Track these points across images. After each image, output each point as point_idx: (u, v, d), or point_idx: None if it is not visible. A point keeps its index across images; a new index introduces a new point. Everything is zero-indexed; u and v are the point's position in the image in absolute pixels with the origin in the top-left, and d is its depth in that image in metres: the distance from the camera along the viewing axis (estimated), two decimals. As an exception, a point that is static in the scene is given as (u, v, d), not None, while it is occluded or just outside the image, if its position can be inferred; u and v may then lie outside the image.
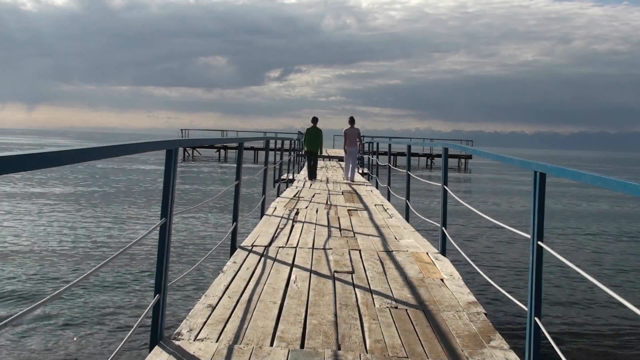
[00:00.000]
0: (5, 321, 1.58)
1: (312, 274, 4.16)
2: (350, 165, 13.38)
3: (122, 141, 2.17)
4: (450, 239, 4.90)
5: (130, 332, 2.51)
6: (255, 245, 5.10)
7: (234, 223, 5.16)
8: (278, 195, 9.96)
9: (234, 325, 3.03)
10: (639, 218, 17.49)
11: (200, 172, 29.25)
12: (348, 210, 7.89)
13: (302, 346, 2.78)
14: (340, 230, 6.13)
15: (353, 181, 13.12)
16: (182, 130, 38.69)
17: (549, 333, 2.59)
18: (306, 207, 8.01)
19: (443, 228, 5.06)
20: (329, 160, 25.65)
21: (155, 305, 2.76)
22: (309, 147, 13.53)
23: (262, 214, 7.23)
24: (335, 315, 3.26)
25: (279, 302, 3.46)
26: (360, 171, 16.89)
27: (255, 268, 4.29)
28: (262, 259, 4.62)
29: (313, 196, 9.60)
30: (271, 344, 2.78)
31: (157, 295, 2.77)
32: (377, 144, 15.55)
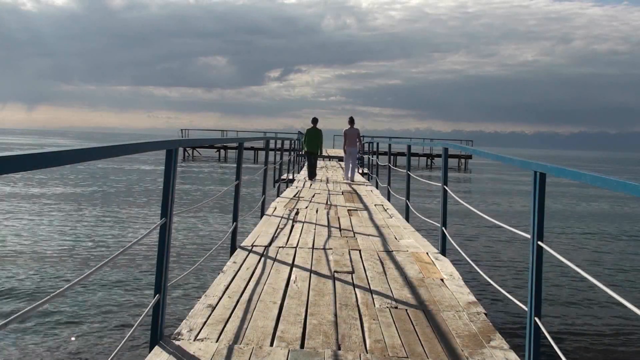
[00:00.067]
0: (5, 321, 1.59)
1: (312, 274, 4.16)
2: (350, 165, 13.39)
3: (122, 141, 2.17)
4: (450, 239, 4.90)
5: (130, 332, 2.51)
6: (255, 245, 5.10)
7: (234, 223, 5.16)
8: (278, 195, 9.96)
9: (234, 325, 3.03)
10: (639, 218, 17.49)
11: (200, 172, 29.25)
12: (348, 210, 7.89)
13: (302, 346, 2.78)
14: (340, 230, 6.13)
15: (353, 181, 13.13)
16: (182, 130, 38.70)
17: (549, 333, 2.59)
18: (306, 207, 8.01)
19: (443, 228, 5.06)
20: (329, 160, 25.65)
21: (155, 305, 2.77)
22: (309, 148, 13.56)
23: (262, 214, 7.23)
24: (335, 315, 3.26)
25: (279, 302, 3.46)
26: (360, 171, 16.89)
27: (255, 268, 4.29)
28: (262, 259, 4.62)
29: (313, 196, 9.61)
30: (271, 344, 2.78)
31: (157, 295, 2.77)
32: (377, 144, 15.54)
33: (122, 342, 2.39)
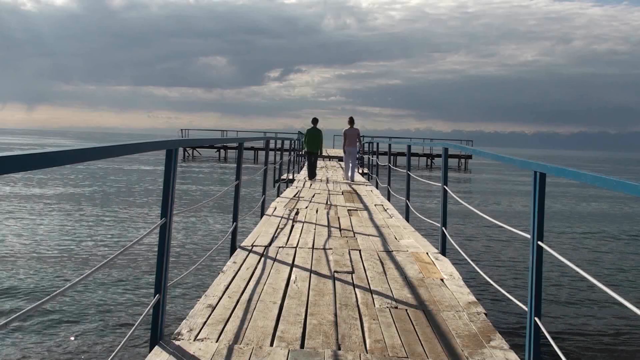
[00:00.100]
0: (5, 321, 1.59)
1: (312, 274, 4.16)
2: (350, 165, 13.40)
3: (122, 141, 2.17)
4: (450, 239, 4.90)
5: (130, 332, 2.51)
6: (255, 245, 5.10)
7: (234, 223, 5.16)
8: (278, 195, 9.96)
9: (234, 325, 3.03)
10: (638, 218, 17.49)
11: (200, 172, 29.26)
12: (348, 210, 7.89)
13: (302, 346, 2.78)
14: (340, 230, 6.13)
15: (353, 181, 13.13)
16: (182, 130, 38.71)
17: (549, 333, 2.59)
18: (306, 207, 8.01)
19: (443, 228, 5.06)
20: (329, 160, 25.66)
21: (155, 305, 2.76)
22: (309, 148, 13.60)
23: (262, 214, 7.23)
24: (335, 315, 3.26)
25: (279, 302, 3.46)
26: (360, 171, 16.89)
27: (255, 268, 4.29)
28: (262, 259, 4.61)
29: (313, 196, 9.60)
30: (271, 344, 2.78)
31: (157, 295, 2.77)
32: (377, 144, 15.54)
33: (122, 342, 2.39)
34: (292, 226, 6.29)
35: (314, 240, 5.48)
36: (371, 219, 7.12)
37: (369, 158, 16.44)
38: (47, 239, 10.00)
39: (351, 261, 4.62)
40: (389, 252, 5.01)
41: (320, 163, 19.68)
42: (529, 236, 2.70)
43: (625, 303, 1.98)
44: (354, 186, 11.92)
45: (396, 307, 3.43)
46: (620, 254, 11.04)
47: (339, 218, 7.05)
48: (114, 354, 2.27)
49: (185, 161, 38.61)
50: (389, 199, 9.54)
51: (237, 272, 4.12)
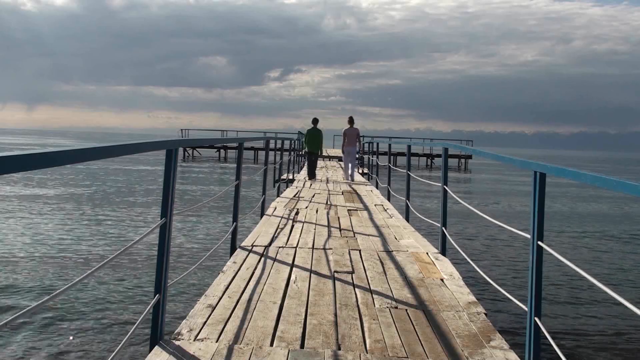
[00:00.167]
0: (5, 321, 1.59)
1: (312, 274, 4.16)
2: (350, 165, 13.41)
3: (122, 141, 2.17)
4: (450, 239, 4.90)
5: (130, 332, 2.51)
6: (255, 245, 5.10)
7: (234, 223, 5.16)
8: (278, 195, 9.96)
9: (234, 325, 3.03)
10: (638, 218, 17.49)
11: (200, 172, 29.25)
12: (348, 210, 7.89)
13: (302, 346, 2.78)
14: (340, 230, 6.13)
15: (353, 181, 13.14)
16: (182, 130, 38.71)
17: (549, 333, 2.59)
18: (306, 207, 8.01)
19: (443, 228, 5.06)
20: (329, 160, 25.67)
21: (155, 305, 2.76)
22: (309, 148, 13.63)
23: (262, 214, 7.23)
24: (335, 315, 3.26)
25: (279, 302, 3.46)
26: (360, 171, 16.89)
27: (255, 268, 4.29)
28: (262, 259, 4.62)
29: (313, 196, 9.61)
30: (271, 344, 2.78)
31: (157, 295, 2.77)
32: (377, 144, 15.54)
33: (123, 342, 2.39)
34: (292, 226, 6.29)
35: (314, 240, 5.48)
36: (371, 219, 7.12)
37: (369, 158, 16.44)
38: (47, 239, 10.00)
39: (351, 261, 4.62)
40: (389, 252, 5.01)
41: (320, 163, 19.69)
42: (529, 236, 2.70)
43: (625, 303, 1.98)
44: (354, 186, 11.92)
45: (396, 307, 3.43)
46: (620, 254, 11.04)
47: (339, 218, 7.05)
48: (114, 353, 2.27)
49: (185, 161, 38.61)
50: (389, 199, 9.54)
51: (237, 272, 4.12)
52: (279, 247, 5.08)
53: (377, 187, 12.02)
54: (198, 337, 2.83)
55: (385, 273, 4.26)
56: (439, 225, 5.13)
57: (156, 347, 2.71)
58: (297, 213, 7.37)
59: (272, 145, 11.35)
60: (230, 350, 2.69)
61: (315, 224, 6.48)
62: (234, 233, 5.11)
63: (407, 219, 7.17)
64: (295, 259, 4.65)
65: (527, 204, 2.91)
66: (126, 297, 6.74)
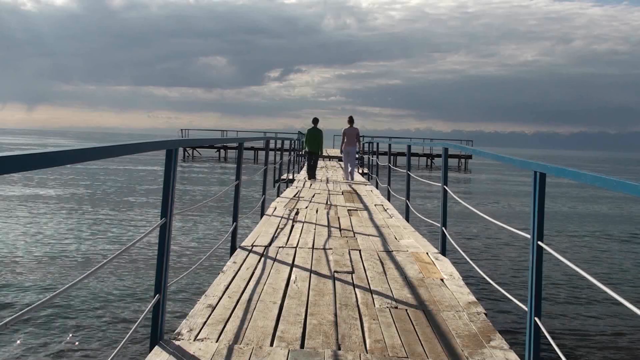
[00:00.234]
0: (5, 321, 1.59)
1: (312, 274, 4.16)
2: (349, 165, 13.41)
3: (122, 141, 2.17)
4: (450, 239, 4.90)
5: (130, 332, 2.51)
6: (255, 245, 5.10)
7: (234, 223, 5.16)
8: (278, 195, 9.96)
9: (234, 325, 3.03)
10: (638, 218, 17.49)
11: (200, 172, 29.25)
12: (348, 210, 7.89)
13: (302, 346, 2.78)
14: (340, 230, 6.13)
15: (353, 180, 13.14)
16: (182, 130, 38.71)
17: (549, 333, 2.59)
18: (306, 207, 8.01)
19: (443, 228, 5.06)
20: (329, 160, 25.66)
21: (155, 305, 2.76)
22: (309, 148, 13.62)
23: (262, 214, 7.23)
24: (335, 315, 3.26)
25: (279, 302, 3.46)
26: (360, 171, 16.90)
27: (255, 268, 4.29)
28: (262, 259, 4.62)
29: (313, 196, 9.61)
30: (271, 344, 2.78)
31: (157, 295, 2.77)
32: (377, 144, 15.53)
33: (122, 342, 2.39)
34: (292, 226, 6.29)
35: (314, 240, 5.48)
36: (371, 219, 7.12)
37: (369, 158, 16.44)
38: (47, 239, 10.00)
39: (351, 261, 4.62)
40: (389, 252, 5.01)
41: (320, 163, 19.69)
42: (529, 236, 2.70)
43: (625, 303, 1.98)
44: (354, 186, 11.92)
45: (396, 307, 3.43)
46: (620, 254, 11.04)
47: (339, 218, 7.05)
48: (114, 353, 2.27)
49: (185, 161, 38.61)
50: (389, 199, 9.54)
51: (237, 272, 4.12)
52: (279, 247, 5.08)
53: (377, 187, 12.02)
54: (198, 337, 2.83)
55: (385, 273, 4.26)
56: (439, 225, 5.13)
57: (156, 347, 2.71)
58: (297, 213, 7.37)
59: (272, 145, 11.36)
60: (230, 350, 2.69)
61: (315, 224, 6.48)
62: (234, 233, 5.11)
63: (407, 219, 7.17)
64: (295, 259, 4.65)
65: (527, 204, 2.91)
66: (126, 297, 6.74)
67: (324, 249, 5.09)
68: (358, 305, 3.45)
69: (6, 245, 9.42)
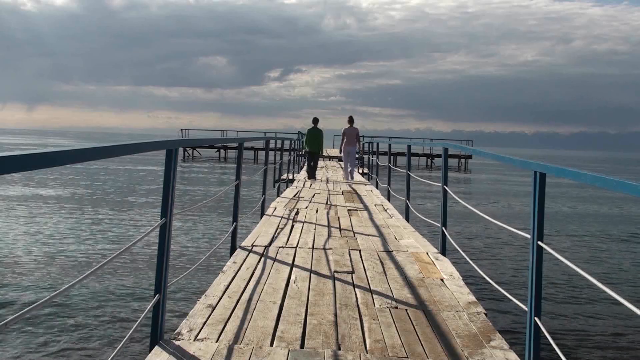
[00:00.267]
0: (5, 321, 1.59)
1: (312, 274, 4.16)
2: (349, 165, 13.41)
3: (122, 141, 2.17)
4: (450, 239, 4.90)
5: (130, 332, 2.51)
6: (255, 245, 5.10)
7: (234, 223, 5.16)
8: (278, 195, 9.96)
9: (234, 325, 3.03)
10: (638, 218, 17.48)
11: (200, 172, 29.26)
12: (348, 210, 7.89)
13: (302, 346, 2.78)
14: (340, 230, 6.13)
15: (352, 180, 13.14)
16: (182, 130, 38.71)
17: (549, 333, 2.59)
18: (306, 207, 8.01)
19: (443, 228, 5.06)
20: (329, 160, 25.66)
21: (155, 305, 2.77)
22: (310, 148, 13.62)
23: (262, 214, 7.23)
24: (335, 315, 3.26)
25: (279, 302, 3.46)
26: (360, 171, 16.90)
27: (255, 268, 4.29)
28: (262, 259, 4.62)
29: (313, 196, 9.61)
30: (271, 344, 2.78)
31: (157, 295, 2.77)
32: (377, 144, 15.53)
33: (122, 342, 2.39)
34: (292, 226, 6.29)
35: (314, 240, 5.48)
36: (371, 219, 7.12)
37: (369, 158, 16.44)
38: (47, 239, 10.00)
39: (351, 261, 4.62)
40: (389, 252, 5.01)
41: (320, 163, 19.69)
42: (529, 236, 2.70)
43: (625, 303, 1.98)
44: (354, 186, 11.92)
45: (396, 307, 3.43)
46: (620, 254, 11.04)
47: (339, 218, 7.05)
48: (114, 353, 2.27)
49: (185, 161, 38.61)
50: (389, 199, 9.54)
51: (237, 272, 4.12)
52: (279, 247, 5.08)
53: (377, 187, 12.02)
54: (198, 337, 2.83)
55: (385, 273, 4.26)
56: (439, 225, 5.13)
57: (156, 347, 2.71)
58: (297, 213, 7.37)
59: (272, 145, 11.35)
60: (230, 350, 2.69)
61: (315, 224, 6.48)
62: (234, 233, 5.12)
63: (407, 219, 7.17)
64: (295, 259, 4.65)
65: (527, 204, 2.91)
66: (126, 297, 6.74)
67: (324, 249, 5.10)
68: (358, 305, 3.45)
69: (6, 245, 9.42)
